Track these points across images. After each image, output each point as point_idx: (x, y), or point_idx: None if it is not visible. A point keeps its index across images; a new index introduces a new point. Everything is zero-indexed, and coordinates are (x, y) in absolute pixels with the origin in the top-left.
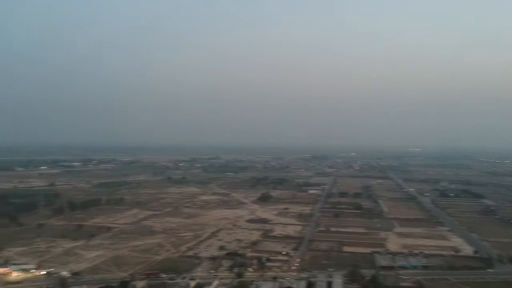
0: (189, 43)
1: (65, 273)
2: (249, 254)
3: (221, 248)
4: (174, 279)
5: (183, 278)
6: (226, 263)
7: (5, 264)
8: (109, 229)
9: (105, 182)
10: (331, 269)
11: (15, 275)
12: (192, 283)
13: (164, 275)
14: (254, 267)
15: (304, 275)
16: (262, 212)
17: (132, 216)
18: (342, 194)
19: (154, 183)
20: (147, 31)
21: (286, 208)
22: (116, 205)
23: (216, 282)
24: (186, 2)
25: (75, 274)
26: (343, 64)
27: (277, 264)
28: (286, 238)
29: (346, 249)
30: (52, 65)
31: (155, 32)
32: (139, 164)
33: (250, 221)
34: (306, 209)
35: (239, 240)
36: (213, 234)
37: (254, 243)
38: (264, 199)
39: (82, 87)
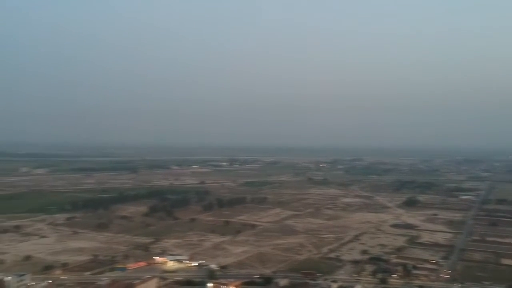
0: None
1: (213, 266)
2: (394, 260)
3: (364, 252)
4: (315, 280)
5: (325, 279)
6: (369, 267)
7: (162, 253)
8: (253, 226)
9: (250, 181)
10: (487, 283)
11: (170, 264)
12: (334, 285)
13: (318, 275)
14: (399, 274)
15: (455, 286)
16: (408, 217)
17: (274, 215)
18: (501, 201)
19: (296, 183)
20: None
21: (434, 214)
22: (260, 203)
23: (358, 286)
24: None
25: (222, 267)
26: None
27: (424, 272)
28: (434, 245)
29: (505, 261)
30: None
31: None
32: (281, 165)
33: (395, 226)
34: (458, 216)
35: (383, 245)
36: (356, 238)
37: (399, 249)
38: (410, 204)
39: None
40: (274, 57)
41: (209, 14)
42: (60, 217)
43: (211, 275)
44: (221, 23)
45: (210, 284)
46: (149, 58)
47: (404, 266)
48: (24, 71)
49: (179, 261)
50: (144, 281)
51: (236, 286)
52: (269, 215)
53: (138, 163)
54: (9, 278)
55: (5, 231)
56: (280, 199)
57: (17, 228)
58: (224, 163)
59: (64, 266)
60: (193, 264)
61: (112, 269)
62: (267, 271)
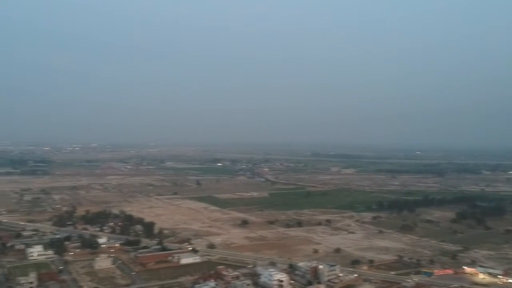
0: None
1: None
2: None
3: None
4: None
5: None
6: None
7: (472, 264)
8: None
9: None
10: None
11: (481, 277)
12: None
13: None
14: None
15: None
16: None
17: None
18: None
19: None
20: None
21: None
22: None
23: None
24: None
25: None
26: None
27: None
28: None
29: None
30: None
31: None
32: None
33: None
34: None
35: None
36: None
37: None
38: None
39: None
40: None
41: None
42: (367, 215)
43: None
44: None
45: None
46: None
47: None
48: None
49: (492, 274)
50: None
51: None
52: None
53: (445, 166)
54: (322, 266)
55: (319, 223)
56: None
57: (328, 222)
58: None
59: (370, 263)
60: (508, 280)
61: (417, 272)
62: None
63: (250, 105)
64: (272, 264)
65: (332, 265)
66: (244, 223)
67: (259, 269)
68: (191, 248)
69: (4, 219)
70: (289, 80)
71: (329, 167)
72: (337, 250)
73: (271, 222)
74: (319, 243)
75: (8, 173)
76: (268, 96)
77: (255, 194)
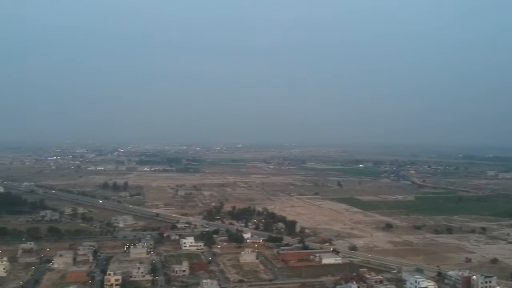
0: None
1: None
2: None
3: None
4: None
5: None
6: None
7: None
8: None
9: None
10: None
11: None
12: None
13: None
14: None
15: None
16: None
17: None
18: None
19: None
20: None
21: None
22: None
23: None
24: None
25: None
26: None
27: None
28: None
29: None
30: None
31: None
32: None
33: None
34: None
35: None
36: None
37: None
38: None
39: None
40: None
41: None
42: None
43: None
44: None
45: None
46: None
47: None
48: None
49: None
50: None
51: None
52: None
53: None
54: (476, 277)
55: (472, 231)
56: None
57: (483, 230)
58: None
59: None
60: None
61: None
62: None
63: (397, 108)
64: (419, 270)
65: (487, 276)
66: (388, 227)
67: (404, 275)
68: (333, 249)
69: (162, 211)
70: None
71: (485, 170)
72: (494, 261)
73: (417, 227)
74: (472, 252)
75: (165, 170)
76: (418, 97)
77: (399, 197)
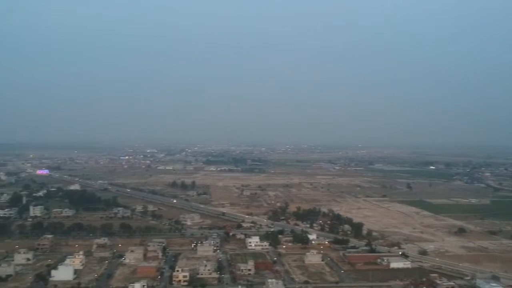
0: None
1: None
2: None
3: None
4: None
5: None
6: None
7: None
8: None
9: None
10: None
11: None
12: None
13: None
14: None
15: None
16: None
17: None
18: None
19: None
20: None
21: None
22: None
23: None
24: None
25: None
26: None
27: None
28: None
29: None
30: None
31: None
32: None
33: None
34: None
35: None
36: None
37: None
38: None
39: None
40: None
41: None
42: None
43: None
44: None
45: None
46: None
47: None
48: None
49: None
50: None
51: None
52: None
53: None
54: None
55: None
56: None
57: None
58: None
59: None
60: None
61: None
62: None
63: (466, 105)
64: (495, 278)
65: None
66: (461, 231)
67: (478, 282)
68: (401, 253)
69: (228, 210)
70: None
71: None
72: None
73: (493, 233)
74: None
75: (230, 170)
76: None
77: (473, 200)
